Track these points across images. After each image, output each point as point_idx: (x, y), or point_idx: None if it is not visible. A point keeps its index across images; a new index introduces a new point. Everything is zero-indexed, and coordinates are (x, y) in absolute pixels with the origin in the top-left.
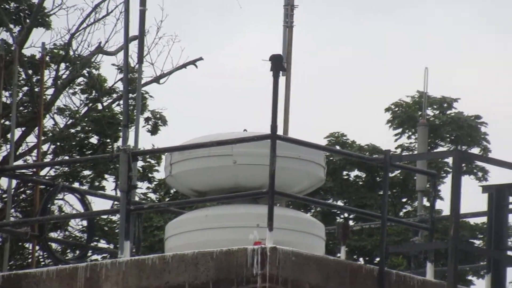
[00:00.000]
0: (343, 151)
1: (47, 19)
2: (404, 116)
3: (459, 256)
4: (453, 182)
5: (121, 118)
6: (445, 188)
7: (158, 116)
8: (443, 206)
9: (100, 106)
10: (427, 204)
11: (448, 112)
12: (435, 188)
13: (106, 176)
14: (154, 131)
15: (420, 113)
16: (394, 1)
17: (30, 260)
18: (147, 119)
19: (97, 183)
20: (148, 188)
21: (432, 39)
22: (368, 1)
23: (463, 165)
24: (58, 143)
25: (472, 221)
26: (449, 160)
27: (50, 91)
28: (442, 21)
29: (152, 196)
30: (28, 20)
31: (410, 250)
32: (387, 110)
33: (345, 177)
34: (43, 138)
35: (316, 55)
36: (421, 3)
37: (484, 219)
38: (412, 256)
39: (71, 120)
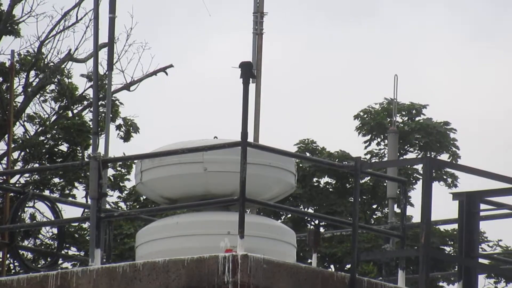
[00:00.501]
0: (314, 158)
1: (16, 26)
2: (373, 122)
3: (430, 263)
4: (423, 189)
5: (91, 126)
6: (415, 195)
7: (130, 123)
8: (413, 212)
9: (70, 114)
10: (398, 210)
11: (417, 118)
12: (405, 195)
13: (76, 184)
14: (126, 138)
15: (389, 119)
16: (364, 9)
17: (0, 268)
18: (119, 126)
19: (67, 191)
20: (119, 197)
21: (400, 46)
22: (338, 10)
23: (433, 171)
24: (28, 150)
25: (442, 227)
26: (419, 166)
27: (20, 99)
28: (411, 28)
29: (123, 205)
30: None
31: (382, 257)
32: (356, 117)
33: (315, 183)
34: (13, 145)
35: (286, 62)
36: (390, 11)
37: (454, 225)
38: (383, 263)
39: (41, 128)
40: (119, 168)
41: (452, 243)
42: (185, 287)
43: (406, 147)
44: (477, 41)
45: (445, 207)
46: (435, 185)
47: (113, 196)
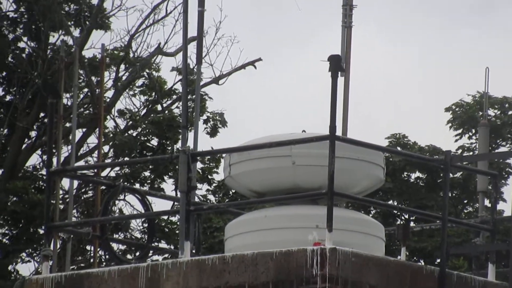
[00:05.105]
0: (403, 151)
1: (106, 21)
2: (464, 116)
3: None
4: None
5: (180, 121)
6: (507, 189)
7: (217, 117)
8: (505, 207)
9: (159, 108)
10: (489, 205)
11: (510, 112)
12: (496, 189)
13: (165, 177)
14: (213, 133)
15: (481, 113)
16: (457, 4)
17: (92, 260)
18: (206, 121)
19: (156, 185)
20: (207, 190)
21: (493, 39)
22: (430, 2)
23: None
24: (118, 144)
25: None
26: (511, 160)
27: (110, 93)
28: (503, 22)
29: (212, 198)
30: (88, 22)
31: (472, 251)
32: (447, 110)
33: (405, 178)
34: (104, 139)
35: (376, 55)
36: (484, 8)
37: None
38: (473, 258)
39: (131, 122)
40: (207, 162)
41: None
42: (273, 280)
43: (498, 141)
44: None
45: None
46: None
47: (202, 190)
